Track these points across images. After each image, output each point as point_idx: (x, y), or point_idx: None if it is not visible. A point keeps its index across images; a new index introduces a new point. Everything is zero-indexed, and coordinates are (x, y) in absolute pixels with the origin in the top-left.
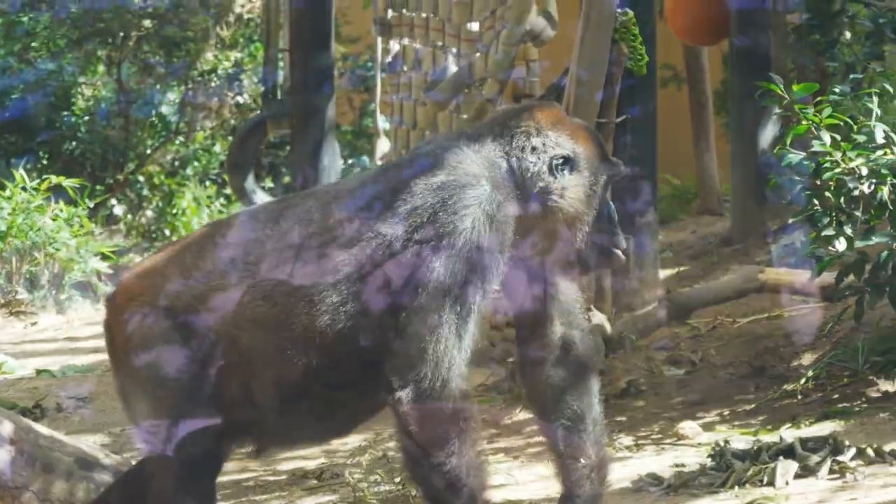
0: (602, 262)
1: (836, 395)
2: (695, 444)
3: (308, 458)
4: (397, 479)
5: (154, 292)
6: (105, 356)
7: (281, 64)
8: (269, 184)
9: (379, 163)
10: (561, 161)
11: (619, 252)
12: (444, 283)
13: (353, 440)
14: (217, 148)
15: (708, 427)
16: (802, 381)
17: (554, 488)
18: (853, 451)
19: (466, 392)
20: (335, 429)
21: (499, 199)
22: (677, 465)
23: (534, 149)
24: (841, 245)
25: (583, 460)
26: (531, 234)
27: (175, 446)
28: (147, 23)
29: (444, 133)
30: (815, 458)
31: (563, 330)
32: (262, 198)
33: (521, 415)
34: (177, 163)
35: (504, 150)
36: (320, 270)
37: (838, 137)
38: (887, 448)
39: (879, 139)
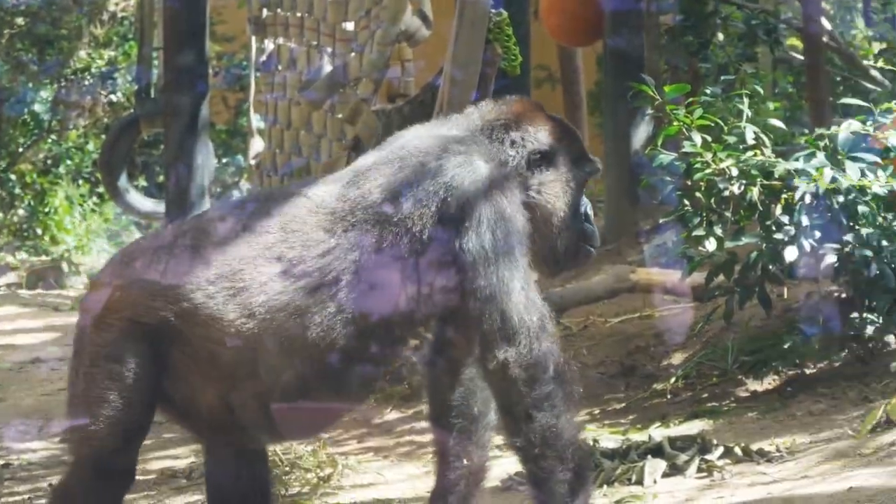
0: (574, 260)
1: (706, 395)
2: None
3: (178, 457)
4: None
5: (127, 297)
6: None
7: (155, 62)
8: (142, 182)
9: (252, 162)
10: (539, 156)
11: (592, 250)
12: (492, 249)
13: None
14: (90, 146)
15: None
16: (672, 380)
17: (422, 487)
18: (721, 449)
19: (560, 351)
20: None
21: (501, 182)
22: None
23: (513, 142)
24: (711, 245)
25: (465, 461)
26: None
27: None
28: (20, 20)
29: (419, 125)
30: (683, 457)
31: None
32: (135, 197)
33: (392, 414)
34: (49, 161)
35: (486, 145)
36: (323, 287)
37: (709, 138)
38: (755, 447)
39: (749, 140)
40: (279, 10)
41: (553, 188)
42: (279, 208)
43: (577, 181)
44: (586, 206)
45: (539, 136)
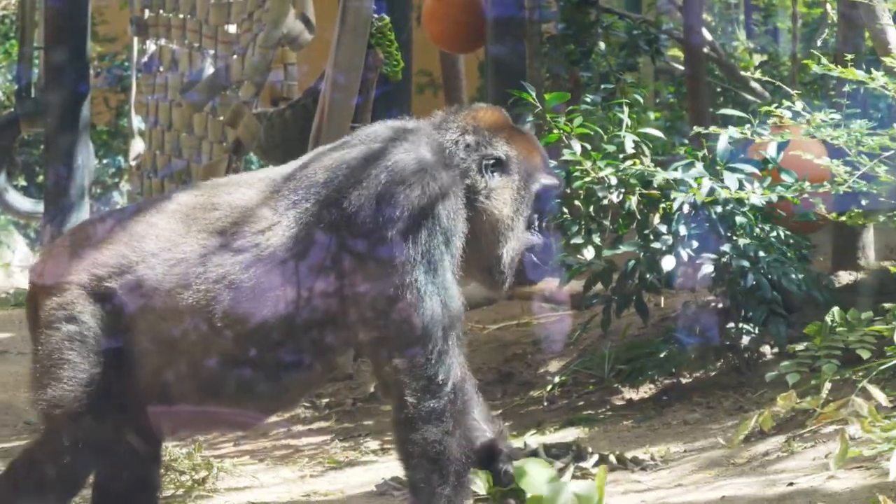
0: (520, 272)
1: (582, 403)
2: None
3: None
4: None
5: (75, 269)
6: None
7: (36, 62)
8: (21, 182)
9: (133, 163)
10: (492, 162)
11: (541, 265)
12: (411, 257)
13: None
14: None
15: None
16: (549, 388)
17: (297, 490)
18: (596, 457)
19: (464, 370)
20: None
21: (441, 178)
22: None
23: (467, 145)
24: (589, 253)
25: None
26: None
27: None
28: None
29: (381, 122)
30: (558, 465)
31: None
32: (14, 196)
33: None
34: None
35: (438, 142)
36: (259, 262)
37: (589, 147)
38: (629, 455)
39: (629, 149)
40: (161, 12)
41: (502, 195)
42: (232, 185)
43: (531, 193)
44: (541, 220)
45: (495, 142)
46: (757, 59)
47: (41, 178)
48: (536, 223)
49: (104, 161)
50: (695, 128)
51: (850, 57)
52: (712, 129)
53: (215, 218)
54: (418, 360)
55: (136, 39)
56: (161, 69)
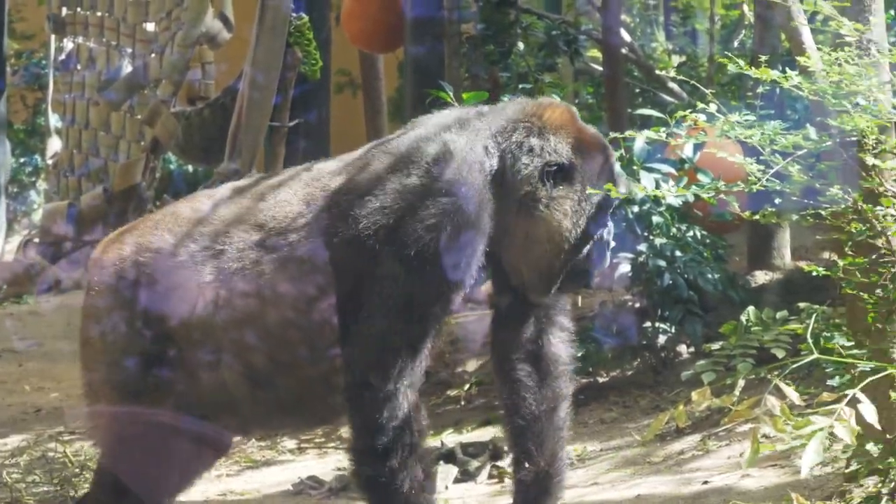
0: (570, 285)
1: (498, 402)
2: None
3: None
4: (55, 480)
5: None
6: None
7: None
8: None
9: (49, 162)
10: (555, 169)
11: (592, 278)
12: (398, 290)
13: (13, 441)
14: None
15: None
16: (466, 387)
17: (213, 491)
18: (511, 456)
19: (417, 404)
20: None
21: (473, 203)
22: (339, 469)
23: (531, 149)
24: None
25: (528, 464)
26: (511, 236)
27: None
28: None
29: (441, 113)
30: (475, 463)
31: (538, 334)
32: None
33: None
34: None
35: (499, 144)
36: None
37: None
38: None
39: None
40: (79, 9)
41: (563, 205)
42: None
43: (592, 203)
44: (606, 232)
45: (560, 147)
46: (675, 60)
47: None
48: (597, 234)
49: (21, 160)
50: (611, 133)
51: (764, 58)
52: (628, 132)
53: (257, 209)
54: (365, 396)
55: (53, 37)
56: (79, 67)
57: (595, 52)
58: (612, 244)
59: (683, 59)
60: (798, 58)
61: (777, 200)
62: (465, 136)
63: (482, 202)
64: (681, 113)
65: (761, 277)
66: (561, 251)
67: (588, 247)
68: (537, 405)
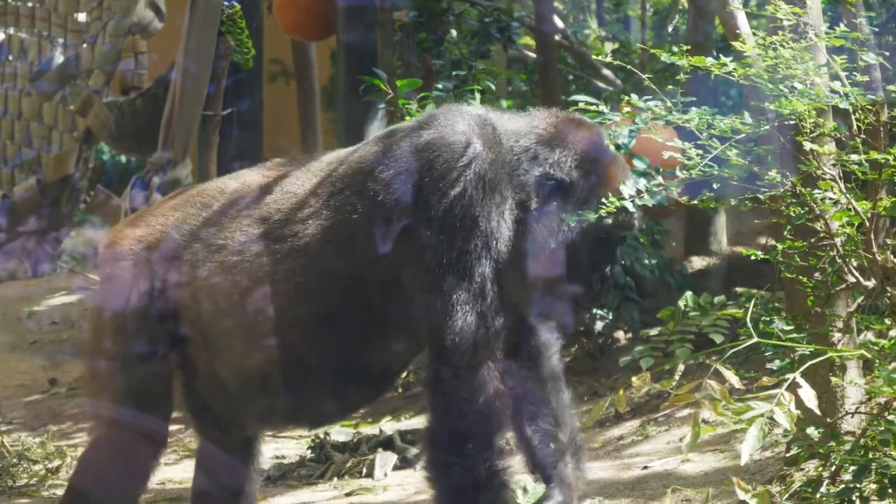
0: (552, 312)
1: None
2: (295, 436)
3: None
4: None
5: (139, 245)
6: None
7: None
8: None
9: None
10: (551, 183)
11: (573, 314)
12: (451, 258)
13: None
14: None
15: None
16: (404, 375)
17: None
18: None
19: (499, 377)
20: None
21: (495, 167)
22: (277, 457)
23: (534, 157)
24: None
25: (551, 443)
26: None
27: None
28: None
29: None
30: (413, 450)
31: (532, 336)
32: None
33: None
34: None
35: (512, 147)
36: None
37: None
38: None
39: None
40: (10, 0)
41: (550, 221)
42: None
43: (590, 229)
44: (604, 264)
45: (564, 162)
46: (608, 46)
47: None
48: (590, 266)
49: None
50: None
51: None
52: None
53: (262, 196)
54: (444, 374)
55: None
56: (10, 58)
57: (528, 40)
58: (608, 281)
59: (616, 45)
60: (733, 43)
61: (715, 185)
62: (489, 127)
63: (499, 175)
64: (624, 98)
65: (698, 263)
66: (536, 268)
67: (576, 274)
68: (542, 388)
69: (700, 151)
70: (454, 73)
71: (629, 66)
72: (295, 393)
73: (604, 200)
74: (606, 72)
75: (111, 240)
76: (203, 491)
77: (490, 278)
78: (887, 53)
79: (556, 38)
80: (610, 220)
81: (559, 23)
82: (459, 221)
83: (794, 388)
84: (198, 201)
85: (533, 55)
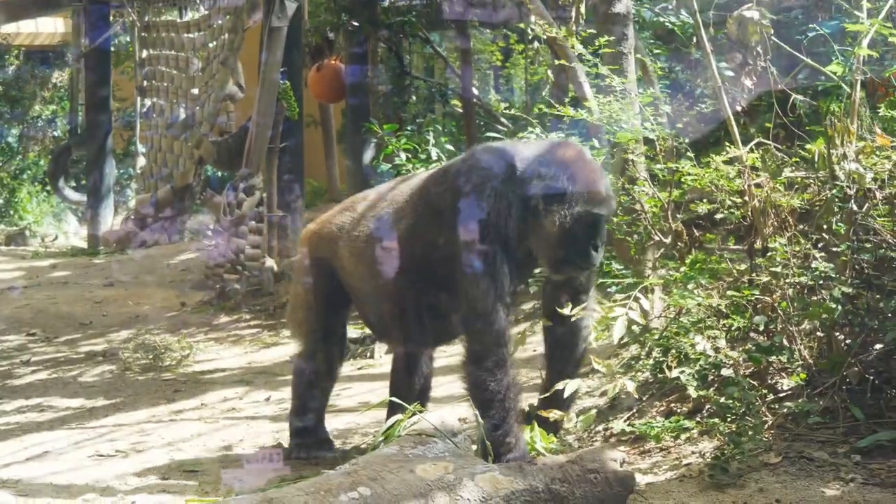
0: (569, 268)
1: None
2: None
3: (96, 344)
4: (150, 357)
5: (315, 238)
6: None
7: (80, 113)
8: (72, 183)
9: (138, 172)
10: (552, 192)
11: (574, 266)
12: (477, 255)
13: (123, 333)
14: (41, 163)
15: None
16: None
17: (241, 361)
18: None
19: (508, 338)
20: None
21: (506, 184)
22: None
23: (539, 175)
24: None
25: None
26: (531, 231)
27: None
28: None
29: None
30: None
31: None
32: (68, 192)
33: (223, 319)
34: (17, 171)
35: (525, 169)
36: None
37: (410, 156)
38: None
39: (434, 158)
40: (153, 81)
41: (553, 217)
42: (403, 184)
43: (579, 216)
44: (591, 235)
45: (560, 176)
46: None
47: (84, 181)
48: (582, 243)
49: (120, 171)
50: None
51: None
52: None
53: (383, 205)
54: (471, 318)
55: (138, 98)
56: (154, 115)
57: (456, 101)
58: (600, 244)
59: (507, 104)
60: (583, 102)
61: None
62: (508, 157)
63: (509, 189)
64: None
65: None
66: (552, 246)
67: (576, 244)
68: (567, 341)
69: None
70: (417, 120)
71: (519, 115)
72: (402, 326)
73: (590, 192)
74: (503, 119)
75: (315, 227)
76: (398, 375)
77: (500, 257)
78: (674, 104)
79: (474, 100)
80: (605, 212)
81: (475, 91)
82: (482, 217)
83: (636, 300)
84: (351, 205)
85: (460, 110)
